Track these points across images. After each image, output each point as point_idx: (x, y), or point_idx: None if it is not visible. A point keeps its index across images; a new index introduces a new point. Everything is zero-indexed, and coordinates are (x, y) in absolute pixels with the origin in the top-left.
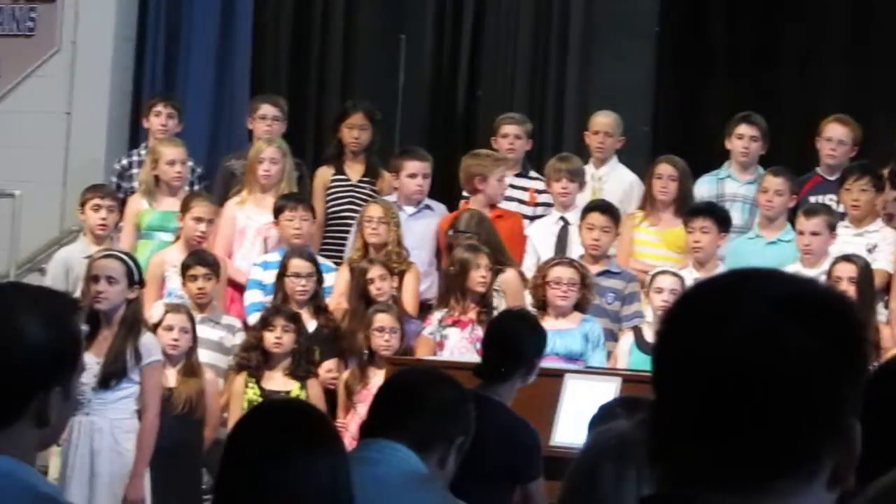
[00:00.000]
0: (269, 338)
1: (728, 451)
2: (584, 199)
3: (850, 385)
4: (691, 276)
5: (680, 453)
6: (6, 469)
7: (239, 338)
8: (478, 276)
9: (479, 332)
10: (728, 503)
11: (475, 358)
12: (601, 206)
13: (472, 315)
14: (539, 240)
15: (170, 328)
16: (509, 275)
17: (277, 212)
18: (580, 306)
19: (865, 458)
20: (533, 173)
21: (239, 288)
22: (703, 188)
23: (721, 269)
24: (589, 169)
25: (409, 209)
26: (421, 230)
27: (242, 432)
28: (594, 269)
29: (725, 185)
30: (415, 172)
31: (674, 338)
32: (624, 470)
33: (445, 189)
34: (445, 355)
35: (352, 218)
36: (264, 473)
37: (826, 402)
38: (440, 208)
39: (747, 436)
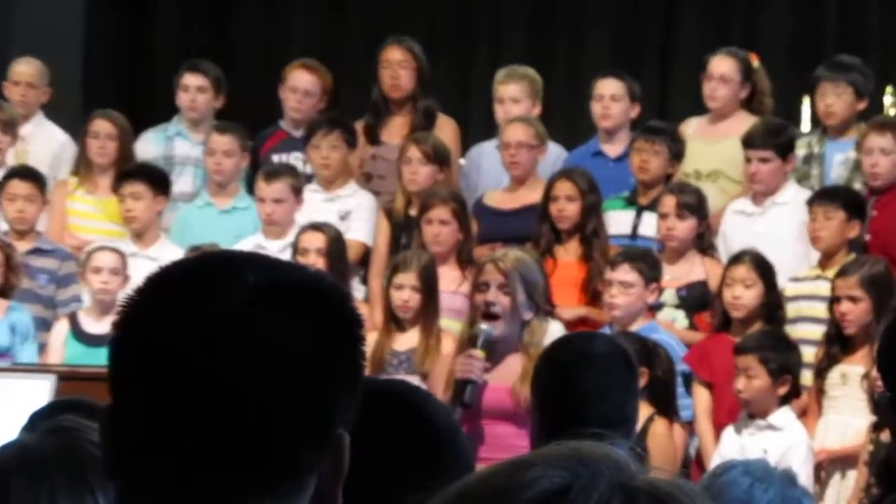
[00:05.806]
0: None
1: (194, 465)
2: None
3: (342, 388)
4: (130, 250)
5: (141, 467)
6: None
7: None
8: None
9: None
10: None
11: None
12: (23, 172)
13: None
14: None
15: None
16: None
17: None
18: (5, 292)
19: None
20: None
21: None
22: (150, 146)
23: (164, 240)
24: None
25: None
26: None
27: None
28: (21, 246)
29: (175, 144)
30: None
31: (134, 331)
32: (36, 485)
33: None
34: None
35: None
36: None
37: (312, 407)
38: None
39: (218, 448)
